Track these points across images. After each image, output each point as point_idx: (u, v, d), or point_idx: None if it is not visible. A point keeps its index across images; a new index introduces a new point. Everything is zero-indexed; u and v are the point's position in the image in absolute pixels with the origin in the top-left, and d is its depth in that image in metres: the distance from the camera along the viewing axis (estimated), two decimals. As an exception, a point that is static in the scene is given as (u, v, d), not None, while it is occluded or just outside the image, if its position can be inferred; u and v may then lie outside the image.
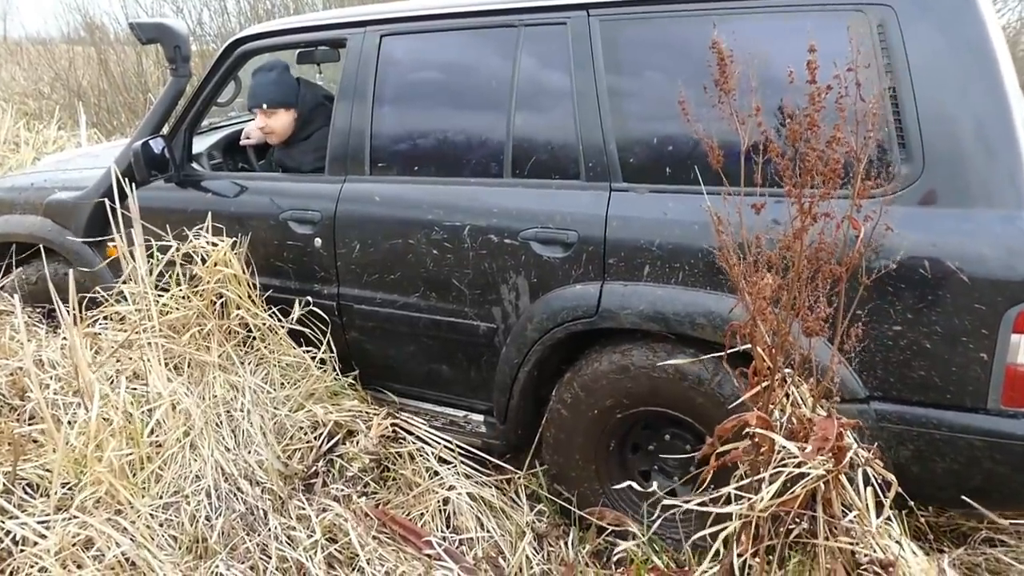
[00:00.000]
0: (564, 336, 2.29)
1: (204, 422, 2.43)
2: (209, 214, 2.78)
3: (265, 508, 2.30)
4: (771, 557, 1.75)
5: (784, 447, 1.65)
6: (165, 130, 3.00)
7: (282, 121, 3.03)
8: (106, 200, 2.90)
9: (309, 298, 2.73)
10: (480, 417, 2.63)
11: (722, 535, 1.76)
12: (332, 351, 2.72)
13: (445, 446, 2.56)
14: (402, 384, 2.79)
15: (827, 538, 1.70)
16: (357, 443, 2.59)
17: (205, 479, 2.30)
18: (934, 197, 1.86)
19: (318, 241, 2.68)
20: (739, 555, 1.76)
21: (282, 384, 2.68)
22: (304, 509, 2.33)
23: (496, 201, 2.39)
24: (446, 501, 2.41)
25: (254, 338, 2.71)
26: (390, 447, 2.59)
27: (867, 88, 1.54)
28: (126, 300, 2.68)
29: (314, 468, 2.54)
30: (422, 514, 2.38)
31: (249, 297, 2.72)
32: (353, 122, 2.63)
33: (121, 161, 2.98)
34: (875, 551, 1.69)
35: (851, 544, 1.69)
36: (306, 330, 2.72)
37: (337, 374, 2.75)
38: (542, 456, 2.51)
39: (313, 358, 2.73)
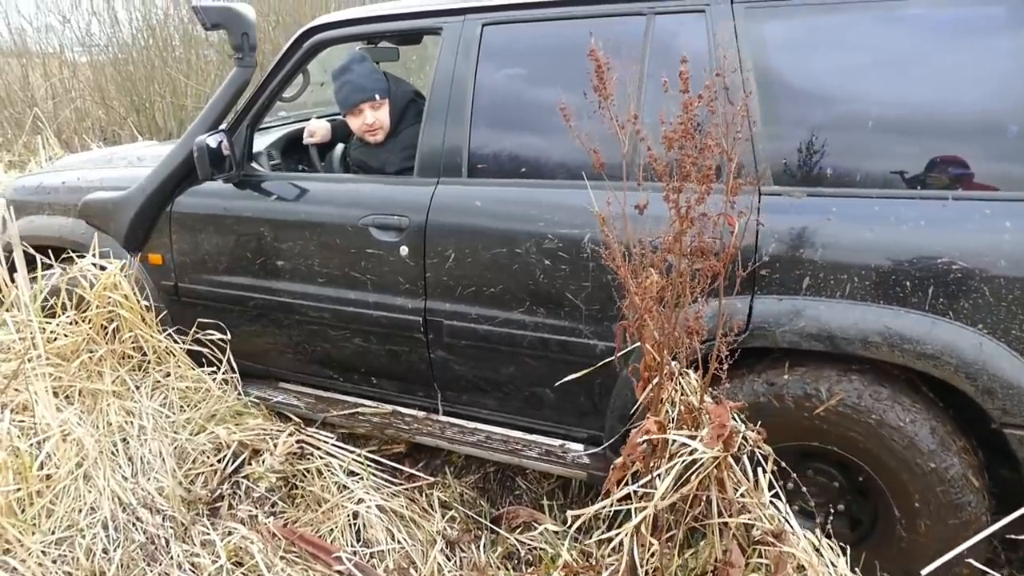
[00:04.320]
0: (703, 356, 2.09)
1: (98, 451, 2.34)
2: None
3: (167, 536, 2.23)
4: (671, 544, 1.81)
5: (677, 440, 1.70)
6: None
7: (387, 114, 2.78)
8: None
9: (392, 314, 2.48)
10: (580, 447, 2.40)
11: (624, 530, 1.81)
12: (233, 370, 2.66)
13: (353, 459, 2.53)
14: (490, 410, 2.55)
15: (721, 516, 1.77)
16: (263, 462, 2.54)
17: (101, 510, 2.22)
18: None
19: (404, 250, 2.42)
20: (641, 545, 1.82)
21: (182, 407, 2.60)
22: (209, 534, 2.27)
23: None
24: (356, 515, 2.38)
25: (149, 362, 2.63)
26: (297, 464, 2.55)
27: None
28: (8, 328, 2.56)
29: (219, 491, 2.49)
30: (331, 530, 2.35)
31: (142, 319, 2.63)
32: (450, 119, 2.39)
33: (167, 164, 2.78)
34: (765, 523, 1.77)
35: (745, 520, 1.76)
36: (205, 350, 2.66)
37: (239, 393, 2.69)
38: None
39: (214, 378, 2.66)
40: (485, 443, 2.50)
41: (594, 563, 2.16)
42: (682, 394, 1.81)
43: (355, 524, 2.38)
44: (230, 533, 2.29)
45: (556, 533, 2.38)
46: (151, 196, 2.79)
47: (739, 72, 2.00)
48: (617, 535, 1.79)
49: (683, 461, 1.71)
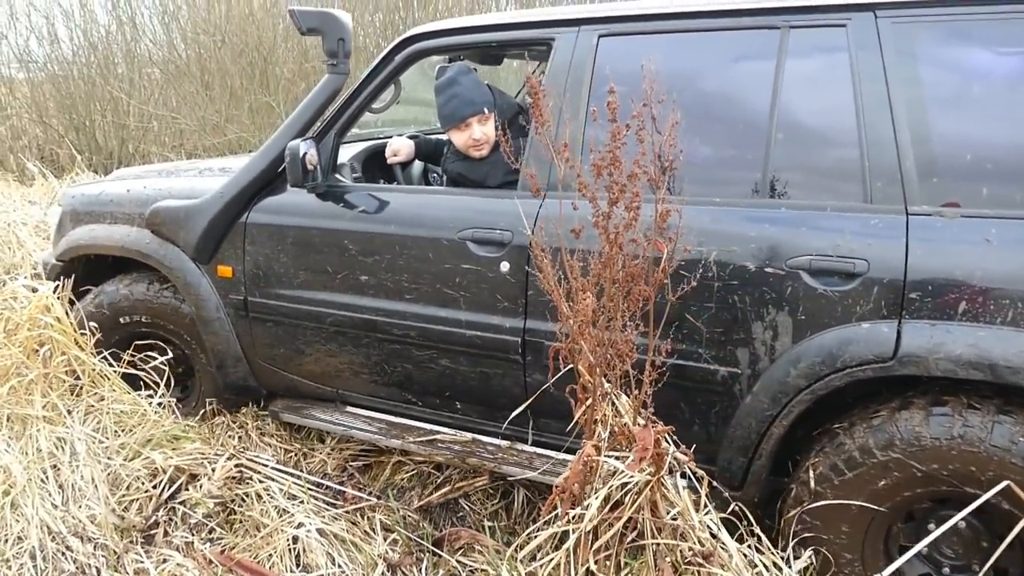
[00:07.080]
0: (842, 385, 1.94)
1: (27, 479, 2.27)
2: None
3: (98, 565, 2.18)
4: (608, 563, 1.84)
5: (607, 463, 1.74)
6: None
7: (493, 128, 2.67)
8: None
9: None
10: (683, 482, 2.10)
11: (559, 554, 1.83)
12: (170, 393, 2.62)
13: (293, 483, 2.51)
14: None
15: (654, 538, 1.81)
16: (200, 487, 2.50)
17: (28, 540, 2.16)
18: None
19: (505, 265, 2.29)
20: (582, 564, 1.84)
21: (116, 432, 2.55)
22: (142, 562, 2.22)
23: (743, 227, 2.01)
24: (295, 539, 2.36)
25: (82, 386, 2.57)
26: (236, 489, 2.51)
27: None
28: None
29: (154, 518, 2.43)
30: (270, 555, 2.32)
31: (76, 342, 2.58)
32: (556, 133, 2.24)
33: (248, 171, 2.68)
34: (697, 544, 1.82)
35: (675, 541, 1.80)
36: (141, 373, 2.61)
37: (177, 416, 2.65)
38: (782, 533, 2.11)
39: (151, 401, 2.62)
40: None
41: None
42: (616, 416, 1.85)
43: (295, 549, 2.35)
44: (165, 561, 2.24)
45: (498, 553, 2.39)
46: (229, 204, 2.69)
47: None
48: (551, 559, 1.81)
49: (613, 485, 1.75)
